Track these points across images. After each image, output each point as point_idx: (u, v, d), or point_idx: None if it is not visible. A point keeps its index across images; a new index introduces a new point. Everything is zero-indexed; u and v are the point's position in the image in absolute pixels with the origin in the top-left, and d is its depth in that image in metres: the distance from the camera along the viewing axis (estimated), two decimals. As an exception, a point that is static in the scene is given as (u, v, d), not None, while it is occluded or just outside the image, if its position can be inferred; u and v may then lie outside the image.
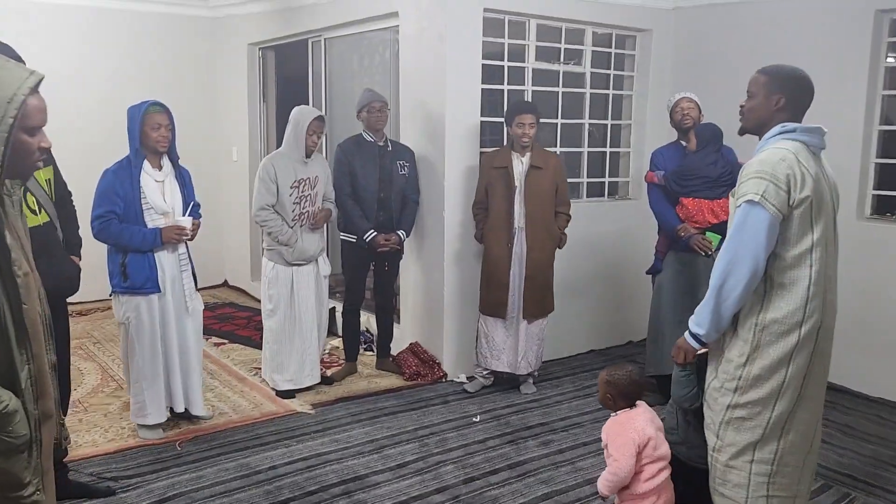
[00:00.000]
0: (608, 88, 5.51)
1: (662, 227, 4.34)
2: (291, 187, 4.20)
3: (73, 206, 3.23)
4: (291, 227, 4.24)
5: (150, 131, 3.54)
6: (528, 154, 4.34)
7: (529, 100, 5.01)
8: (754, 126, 2.53)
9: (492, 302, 4.43)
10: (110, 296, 3.67)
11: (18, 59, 2.79)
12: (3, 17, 5.76)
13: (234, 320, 6.11)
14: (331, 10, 5.53)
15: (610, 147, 5.62)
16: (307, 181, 4.26)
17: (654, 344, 4.33)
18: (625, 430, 2.52)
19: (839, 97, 4.55)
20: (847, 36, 4.53)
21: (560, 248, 4.52)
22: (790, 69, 2.51)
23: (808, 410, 2.47)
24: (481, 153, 4.76)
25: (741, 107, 2.53)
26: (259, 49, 6.70)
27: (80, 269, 3.07)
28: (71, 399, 3.48)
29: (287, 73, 6.74)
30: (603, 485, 2.53)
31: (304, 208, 4.27)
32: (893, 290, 4.46)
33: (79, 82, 6.26)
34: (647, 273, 4.60)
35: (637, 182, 5.60)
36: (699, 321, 2.47)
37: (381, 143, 4.58)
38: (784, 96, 2.44)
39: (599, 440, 2.69)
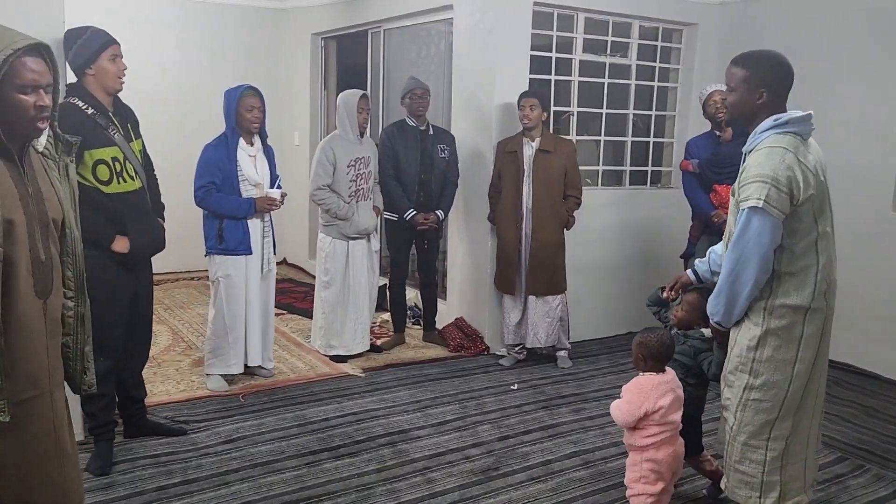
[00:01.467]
0: (653, 80, 5.70)
1: (696, 213, 4.55)
2: (349, 166, 4.55)
3: (155, 176, 3.60)
4: (347, 203, 4.58)
5: (245, 112, 3.99)
6: (537, 139, 4.58)
7: (575, 91, 5.28)
8: (740, 119, 2.60)
9: (503, 279, 4.74)
10: (206, 256, 4.11)
11: (112, 41, 3.15)
12: (90, 9, 6.23)
13: (293, 294, 6.52)
14: (389, 1, 5.86)
15: (654, 137, 5.81)
16: (362, 160, 4.61)
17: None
18: (640, 395, 2.76)
19: (878, 92, 4.68)
20: (888, 31, 4.64)
21: (567, 229, 4.71)
22: (768, 59, 2.49)
23: (816, 381, 2.59)
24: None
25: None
26: (322, 39, 7.08)
27: (164, 230, 3.45)
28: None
29: (347, 62, 7.11)
30: (611, 410, 2.84)
31: (359, 185, 4.61)
32: (926, 281, 4.58)
33: (156, 69, 6.75)
34: (681, 257, 4.81)
35: (679, 172, 5.77)
36: (714, 310, 2.59)
37: (422, 128, 4.89)
38: (766, 90, 2.45)
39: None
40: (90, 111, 3.09)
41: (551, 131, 5.02)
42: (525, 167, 4.58)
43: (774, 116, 2.45)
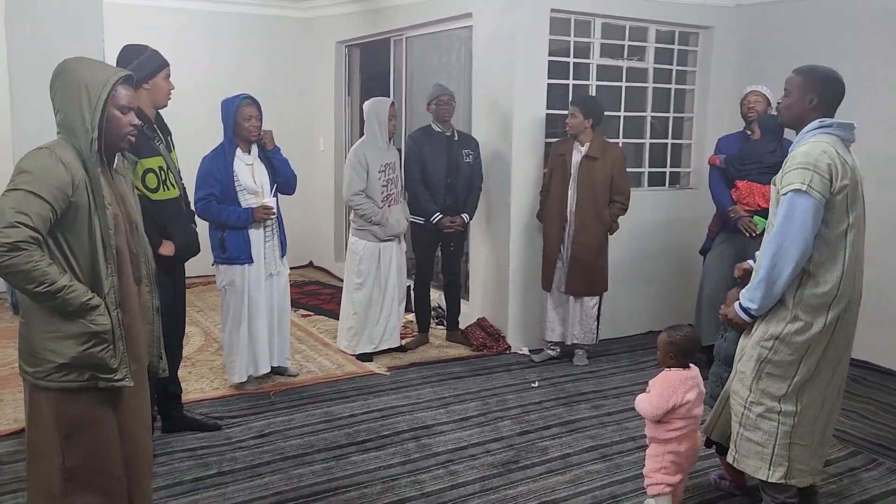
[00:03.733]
0: (671, 83, 5.79)
1: (716, 206, 4.68)
2: (379, 171, 4.72)
3: (183, 184, 3.75)
4: (381, 208, 4.75)
5: (243, 122, 4.07)
6: (587, 144, 4.70)
7: (594, 94, 5.39)
8: (790, 121, 2.84)
9: (545, 277, 4.87)
10: (212, 265, 4.25)
11: (167, 62, 3.49)
12: (126, 21, 6.42)
13: (320, 296, 6.70)
14: (411, 10, 6.02)
15: (672, 139, 5.90)
16: (390, 165, 4.79)
17: (697, 317, 4.67)
18: (669, 389, 2.87)
19: None
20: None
21: (611, 234, 4.84)
22: (823, 71, 2.80)
23: (830, 369, 2.76)
24: (547, 143, 5.14)
25: (778, 103, 2.84)
26: (345, 47, 7.25)
27: (198, 235, 3.63)
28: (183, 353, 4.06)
29: (370, 69, 7.28)
30: (637, 404, 2.94)
31: (390, 190, 4.78)
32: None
33: (183, 77, 6.90)
34: (700, 253, 4.91)
35: (698, 173, 5.86)
36: (751, 297, 2.74)
37: (448, 134, 5.03)
38: (817, 96, 2.74)
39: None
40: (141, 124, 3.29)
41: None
42: (572, 171, 4.70)
43: (821, 119, 2.72)
